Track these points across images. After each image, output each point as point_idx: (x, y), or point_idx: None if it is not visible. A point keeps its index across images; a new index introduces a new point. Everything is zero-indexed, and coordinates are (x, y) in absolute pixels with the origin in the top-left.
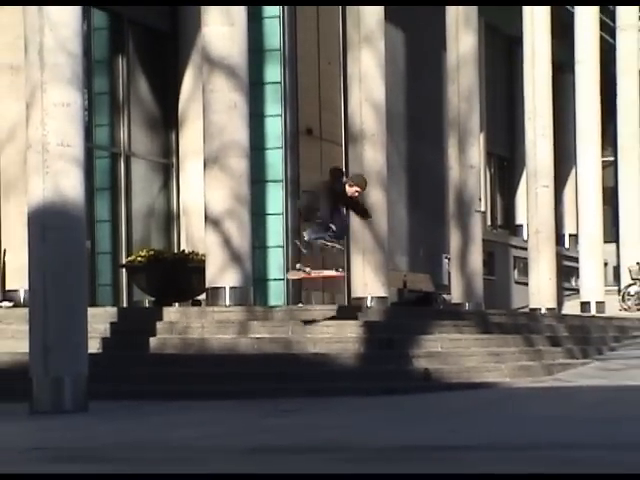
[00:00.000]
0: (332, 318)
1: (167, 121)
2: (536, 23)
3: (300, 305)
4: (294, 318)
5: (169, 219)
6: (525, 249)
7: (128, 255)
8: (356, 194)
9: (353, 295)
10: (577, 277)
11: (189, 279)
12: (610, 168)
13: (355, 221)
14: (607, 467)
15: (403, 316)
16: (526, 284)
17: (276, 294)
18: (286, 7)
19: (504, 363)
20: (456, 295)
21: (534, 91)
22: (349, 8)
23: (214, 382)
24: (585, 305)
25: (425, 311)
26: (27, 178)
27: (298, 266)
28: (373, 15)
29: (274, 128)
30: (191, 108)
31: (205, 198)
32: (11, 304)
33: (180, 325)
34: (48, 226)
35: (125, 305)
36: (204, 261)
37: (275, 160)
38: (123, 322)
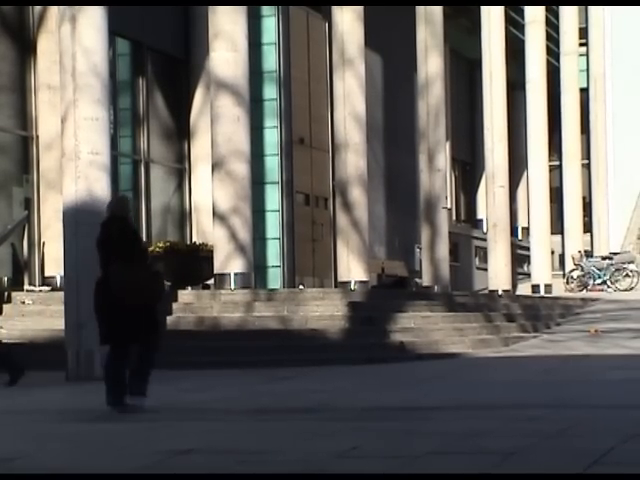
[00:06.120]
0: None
1: (180, 132)
2: (493, 48)
3: (301, 287)
4: (292, 299)
5: (183, 215)
6: (484, 240)
7: (148, 246)
8: None
9: (339, 279)
10: (528, 263)
11: (200, 266)
12: (556, 171)
13: (340, 217)
14: (556, 423)
15: (381, 297)
16: (485, 269)
17: (273, 279)
18: (281, 36)
19: (467, 336)
20: (426, 279)
21: (491, 106)
22: (334, 36)
23: (223, 354)
24: (535, 287)
25: (400, 293)
26: (62, 181)
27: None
28: (354, 42)
29: (271, 138)
30: (201, 121)
31: (213, 197)
32: (49, 288)
33: (193, 306)
34: (80, 222)
35: None
36: (212, 251)
37: (272, 165)
38: None
